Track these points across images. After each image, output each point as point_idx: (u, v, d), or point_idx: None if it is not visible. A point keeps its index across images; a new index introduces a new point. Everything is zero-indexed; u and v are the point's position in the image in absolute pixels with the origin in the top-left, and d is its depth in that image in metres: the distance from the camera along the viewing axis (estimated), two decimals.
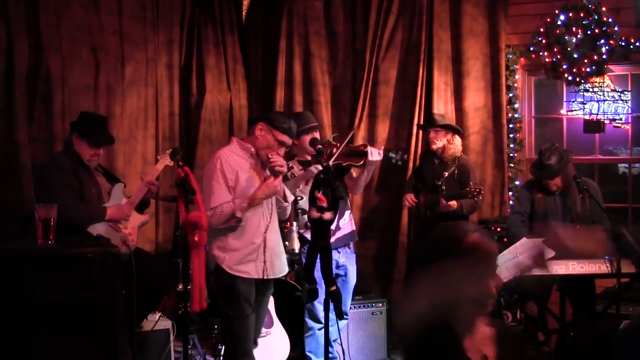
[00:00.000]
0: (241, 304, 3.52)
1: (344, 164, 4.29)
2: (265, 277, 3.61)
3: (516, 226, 4.69)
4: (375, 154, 4.17)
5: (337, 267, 4.31)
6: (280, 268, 3.73)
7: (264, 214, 3.63)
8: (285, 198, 3.75)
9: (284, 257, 3.80)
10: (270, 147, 3.59)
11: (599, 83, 5.42)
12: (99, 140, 4.10)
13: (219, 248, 3.56)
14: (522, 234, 4.24)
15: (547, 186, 4.65)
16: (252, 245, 3.57)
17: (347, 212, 4.45)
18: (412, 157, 5.70)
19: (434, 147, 5.10)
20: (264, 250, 3.60)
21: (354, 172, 4.39)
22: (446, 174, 5.01)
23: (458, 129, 5.24)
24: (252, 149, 3.62)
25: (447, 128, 5.10)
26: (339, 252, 4.31)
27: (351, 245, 4.50)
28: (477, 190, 4.71)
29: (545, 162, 4.53)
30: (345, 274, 4.41)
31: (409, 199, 5.19)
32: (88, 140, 4.02)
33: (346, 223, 4.42)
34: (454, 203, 4.83)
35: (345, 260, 4.40)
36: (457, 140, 5.13)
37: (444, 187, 4.94)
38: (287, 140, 3.63)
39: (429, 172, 5.18)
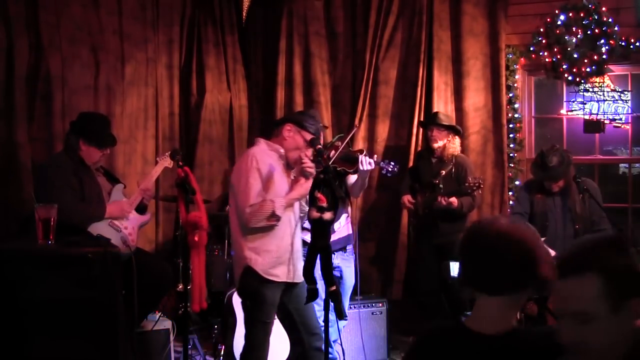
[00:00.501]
0: (267, 308, 3.47)
1: (338, 168, 4.27)
2: (291, 281, 3.56)
3: None
4: (365, 164, 4.14)
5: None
6: (301, 272, 3.67)
7: (291, 218, 3.58)
8: (307, 203, 3.69)
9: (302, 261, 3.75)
10: (299, 148, 3.54)
11: (599, 83, 5.42)
12: (106, 141, 4.11)
13: (250, 249, 3.46)
14: None
15: (549, 187, 4.64)
16: (283, 248, 3.52)
17: (344, 216, 4.43)
18: (412, 157, 5.72)
19: (435, 145, 5.09)
20: (291, 253, 3.55)
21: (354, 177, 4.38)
22: (444, 172, 5.01)
23: (460, 130, 5.25)
24: (281, 150, 3.57)
25: (451, 129, 5.10)
26: (334, 254, 4.29)
27: (347, 249, 4.48)
28: (477, 184, 4.71)
29: (549, 164, 4.51)
30: (341, 275, 4.40)
31: (407, 201, 5.19)
32: (97, 143, 4.02)
33: (342, 227, 4.40)
34: (454, 200, 4.83)
35: (340, 261, 4.39)
36: (457, 140, 5.15)
37: (441, 186, 4.94)
38: (315, 140, 3.56)
39: (426, 171, 5.18)
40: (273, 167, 3.50)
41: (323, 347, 3.63)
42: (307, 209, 3.71)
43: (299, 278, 3.59)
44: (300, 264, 3.64)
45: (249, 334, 3.53)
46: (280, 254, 3.51)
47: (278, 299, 3.53)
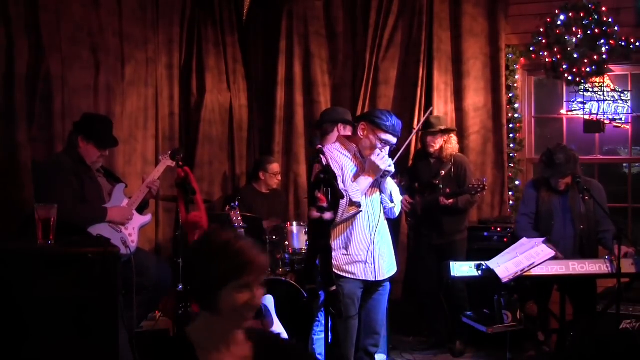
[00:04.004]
0: (345, 304, 3.47)
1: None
2: (373, 280, 3.57)
3: (524, 230, 4.67)
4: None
5: None
6: (388, 269, 3.69)
7: (371, 217, 3.59)
8: (392, 199, 3.69)
9: (391, 257, 3.74)
10: (373, 147, 3.54)
11: (599, 83, 5.43)
12: (106, 142, 4.11)
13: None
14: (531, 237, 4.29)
15: (556, 185, 4.64)
16: (359, 248, 3.53)
17: None
18: (411, 157, 5.71)
19: (432, 150, 5.11)
20: (372, 252, 3.56)
21: None
22: (443, 172, 5.01)
23: (452, 129, 5.22)
24: (355, 149, 3.58)
25: (443, 132, 5.09)
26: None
27: None
28: (481, 186, 4.71)
29: (556, 160, 4.52)
30: None
31: (405, 202, 5.19)
32: (95, 142, 4.03)
33: None
34: (451, 202, 4.86)
35: None
36: (454, 139, 5.15)
37: (441, 186, 4.94)
38: (391, 138, 3.56)
39: (425, 171, 5.18)
40: (345, 164, 3.53)
41: (376, 355, 3.67)
42: (391, 205, 3.69)
43: (383, 276, 3.61)
44: (384, 262, 3.65)
45: (333, 328, 3.53)
46: (357, 253, 3.53)
47: (357, 295, 3.54)
